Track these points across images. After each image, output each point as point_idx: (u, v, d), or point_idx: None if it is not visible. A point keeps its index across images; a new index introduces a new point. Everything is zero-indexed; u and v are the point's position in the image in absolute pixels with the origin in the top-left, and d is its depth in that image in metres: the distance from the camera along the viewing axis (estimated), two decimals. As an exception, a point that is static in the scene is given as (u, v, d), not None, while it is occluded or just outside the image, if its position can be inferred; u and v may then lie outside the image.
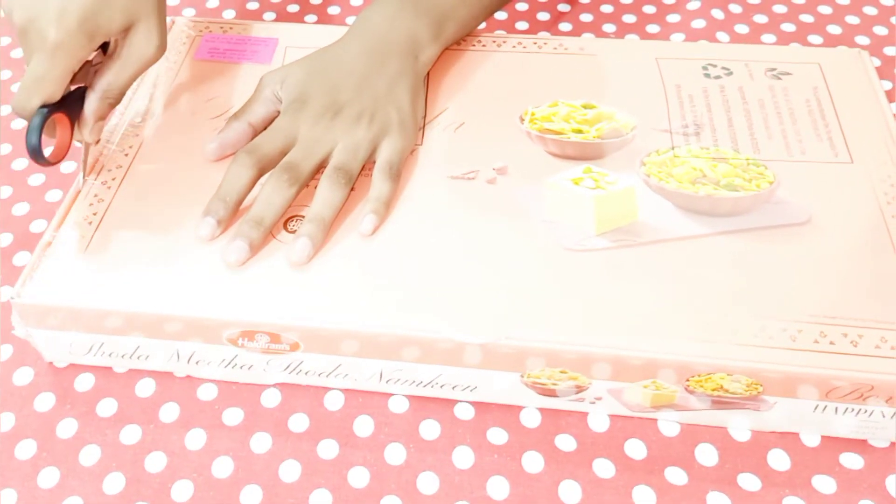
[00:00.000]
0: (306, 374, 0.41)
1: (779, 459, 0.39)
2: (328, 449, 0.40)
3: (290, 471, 0.39)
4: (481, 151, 0.46)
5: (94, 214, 0.44)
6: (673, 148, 0.46)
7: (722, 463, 0.39)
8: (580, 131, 0.47)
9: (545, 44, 0.53)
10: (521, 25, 0.62)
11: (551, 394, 0.40)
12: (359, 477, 0.39)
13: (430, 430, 0.40)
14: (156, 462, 0.39)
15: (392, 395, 0.42)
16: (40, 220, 0.50)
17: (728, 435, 0.40)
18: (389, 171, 0.44)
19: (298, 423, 0.41)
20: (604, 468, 0.39)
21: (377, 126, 0.45)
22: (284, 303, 0.40)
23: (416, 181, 0.45)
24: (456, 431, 0.40)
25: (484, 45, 0.53)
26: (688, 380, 0.38)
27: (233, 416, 0.41)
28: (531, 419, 0.41)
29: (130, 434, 0.40)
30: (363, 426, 0.41)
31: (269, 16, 0.64)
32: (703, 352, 0.37)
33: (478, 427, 0.40)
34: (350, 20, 0.63)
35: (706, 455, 0.39)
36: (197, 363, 0.42)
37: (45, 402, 0.42)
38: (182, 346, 0.41)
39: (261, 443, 0.40)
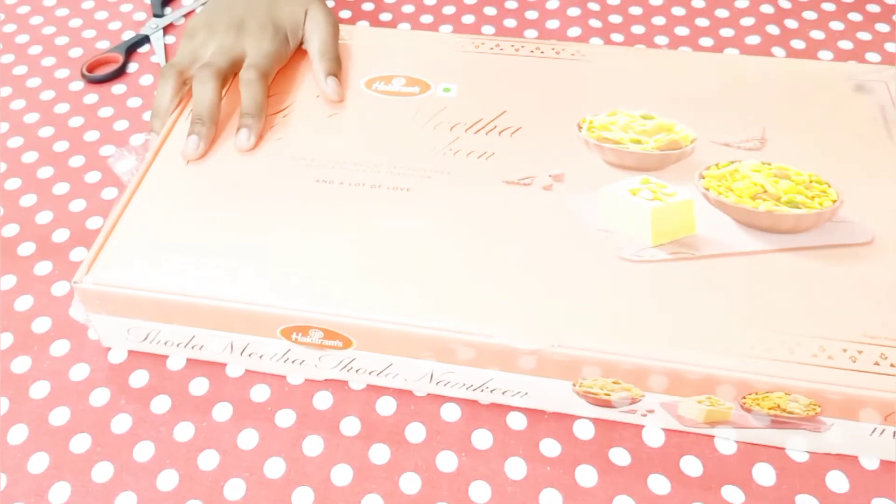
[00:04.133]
0: (357, 371, 0.41)
1: (837, 482, 0.38)
2: (380, 453, 0.40)
3: (342, 474, 0.39)
4: (538, 157, 0.46)
5: (156, 203, 0.44)
6: (733, 162, 0.45)
7: (780, 483, 0.38)
8: (639, 142, 0.46)
9: (601, 53, 0.53)
10: (574, 32, 0.62)
11: (605, 404, 0.40)
12: (411, 483, 0.39)
13: (482, 439, 0.40)
14: (209, 460, 0.40)
15: (444, 401, 0.41)
16: (96, 217, 0.51)
17: (786, 455, 0.39)
18: (250, 76, 0.49)
19: (350, 426, 0.41)
20: (659, 484, 0.38)
21: (246, 31, 0.52)
22: (340, 299, 0.40)
23: (471, 184, 0.45)
24: (508, 441, 0.40)
25: (542, 52, 0.53)
26: (744, 397, 0.37)
27: (285, 417, 0.41)
28: (584, 431, 0.40)
29: (184, 431, 0.41)
30: (415, 432, 0.40)
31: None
32: (761, 369, 0.37)
33: (530, 438, 0.40)
34: (384, 17, 0.63)
35: (764, 475, 0.39)
36: (250, 355, 0.42)
37: (100, 397, 0.42)
38: (236, 337, 0.41)
39: (313, 445, 0.40)
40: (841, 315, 0.39)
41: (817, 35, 0.61)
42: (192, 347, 0.42)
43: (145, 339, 0.43)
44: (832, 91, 0.50)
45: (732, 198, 0.43)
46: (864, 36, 0.60)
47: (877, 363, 0.37)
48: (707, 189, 0.44)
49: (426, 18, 0.64)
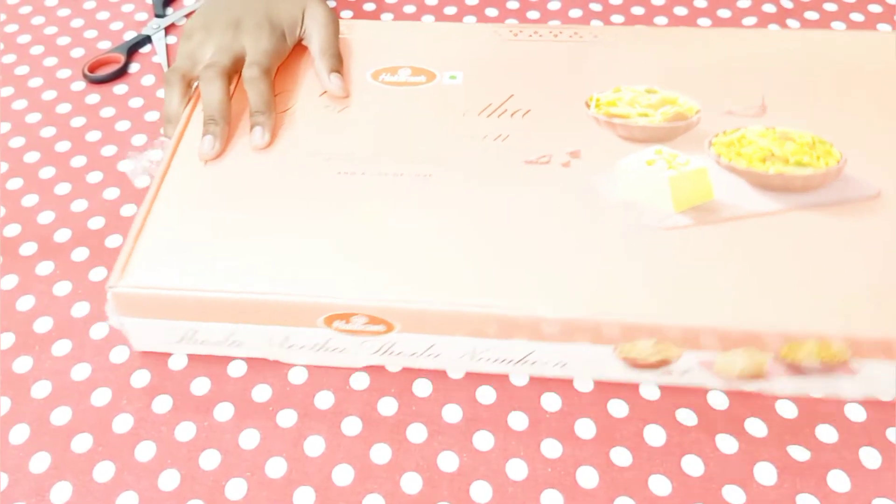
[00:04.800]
0: (397, 354, 0.42)
1: (839, 481, 0.38)
2: (381, 453, 0.40)
3: (343, 474, 0.39)
4: (552, 136, 0.47)
5: (181, 203, 0.44)
6: (738, 129, 0.47)
7: (781, 482, 0.38)
8: (646, 115, 0.48)
9: (599, 34, 0.54)
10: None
11: (645, 367, 0.41)
12: (412, 483, 0.39)
13: (483, 440, 0.40)
14: (210, 460, 0.40)
15: (446, 402, 0.41)
16: (98, 217, 0.51)
17: (787, 454, 0.39)
18: (252, 74, 0.49)
19: (351, 426, 0.41)
20: (660, 484, 0.38)
21: (244, 30, 0.52)
22: (381, 284, 0.40)
23: (491, 166, 0.46)
24: (509, 442, 0.40)
25: (541, 36, 0.54)
26: (781, 349, 0.38)
27: (286, 417, 0.41)
28: (586, 431, 0.40)
29: (185, 431, 0.41)
30: (416, 432, 0.40)
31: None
32: (797, 319, 0.38)
33: (531, 438, 0.40)
34: (386, 17, 0.63)
35: (765, 474, 0.39)
36: (289, 347, 0.42)
37: (101, 397, 0.42)
38: (276, 330, 0.41)
39: (314, 445, 0.40)
40: (860, 265, 0.40)
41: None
42: (231, 344, 0.43)
43: (181, 339, 0.43)
44: (826, 58, 0.51)
45: (743, 162, 0.45)
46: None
47: None
48: (718, 156, 0.46)
49: (427, 19, 0.64)
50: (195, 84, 0.51)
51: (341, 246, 0.42)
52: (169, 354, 0.44)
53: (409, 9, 0.65)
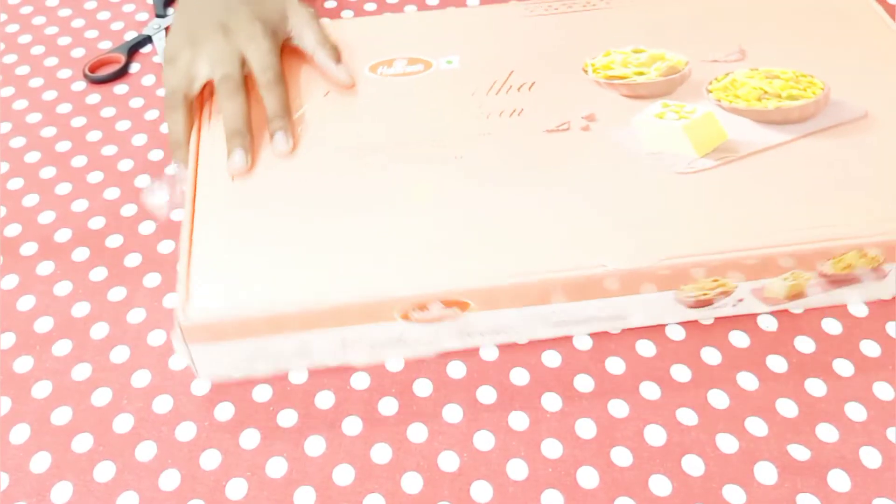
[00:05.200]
0: (471, 335, 0.42)
1: (839, 481, 0.38)
2: (381, 453, 0.40)
3: (343, 474, 0.39)
4: (563, 104, 0.49)
5: (221, 223, 0.44)
6: (728, 74, 0.50)
7: (781, 482, 0.38)
8: (642, 73, 0.50)
9: (574, 4, 0.56)
10: None
11: (704, 304, 0.43)
12: (412, 483, 0.39)
13: (483, 440, 0.40)
14: (210, 460, 0.40)
15: (446, 402, 0.41)
16: (98, 217, 0.51)
17: (787, 453, 0.39)
18: (269, 79, 0.49)
19: (352, 426, 0.41)
20: (660, 485, 0.38)
21: (236, 33, 0.50)
22: (450, 267, 0.41)
23: (516, 139, 0.47)
24: (510, 442, 0.40)
25: (531, 12, 0.56)
26: (824, 264, 0.42)
27: (287, 417, 0.41)
28: (586, 431, 0.40)
29: (186, 431, 0.41)
30: (417, 432, 0.40)
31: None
32: (839, 234, 0.42)
33: (532, 438, 0.40)
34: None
35: (765, 474, 0.38)
36: (361, 348, 0.42)
37: (102, 396, 0.42)
38: (349, 332, 0.41)
39: (315, 445, 0.40)
40: (870, 176, 0.45)
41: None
42: (301, 355, 0.42)
43: (251, 357, 0.41)
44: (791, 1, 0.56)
45: (742, 103, 0.48)
46: None
47: None
48: (718, 100, 0.49)
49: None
50: (198, 99, 0.50)
51: (396, 236, 0.42)
52: (170, 353, 0.44)
53: (410, 8, 0.65)
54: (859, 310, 0.45)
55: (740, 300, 0.43)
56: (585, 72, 0.51)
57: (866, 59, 0.51)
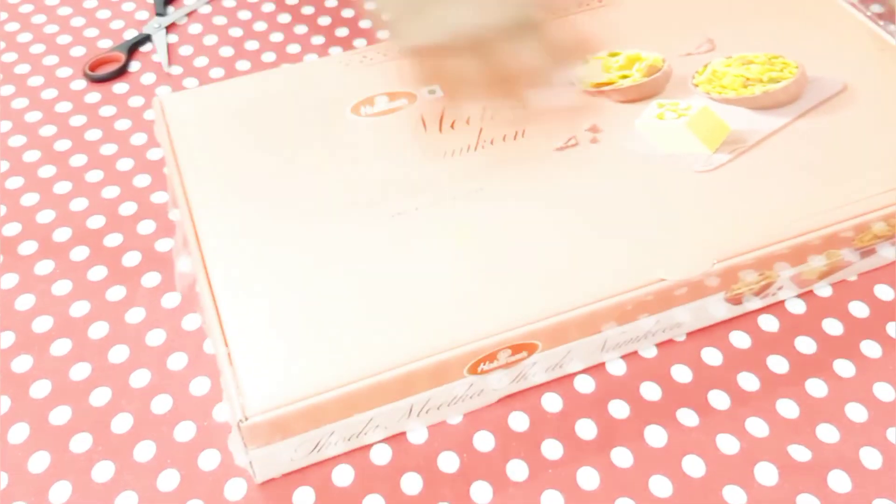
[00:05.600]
0: (534, 376, 0.41)
1: (839, 481, 0.38)
2: (381, 454, 0.40)
3: (343, 475, 0.39)
4: (561, 120, 0.48)
5: (250, 296, 0.40)
6: (706, 66, 0.50)
7: (781, 483, 0.38)
8: (626, 76, 0.50)
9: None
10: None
11: (755, 293, 0.43)
12: (412, 483, 0.39)
13: (483, 440, 0.40)
14: (209, 460, 0.40)
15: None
16: (98, 215, 0.51)
17: (788, 454, 0.39)
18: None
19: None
20: (660, 485, 0.38)
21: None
22: (511, 310, 0.38)
23: (529, 161, 0.45)
24: (510, 443, 0.40)
25: None
26: (854, 240, 0.43)
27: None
28: (586, 432, 0.40)
29: (185, 431, 0.41)
30: (416, 433, 0.40)
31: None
32: (865, 209, 0.42)
33: (532, 439, 0.40)
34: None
35: (765, 474, 0.38)
36: (427, 412, 0.40)
37: (101, 396, 0.42)
38: (416, 399, 0.38)
39: (314, 445, 0.40)
40: (875, 144, 0.46)
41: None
42: (368, 433, 0.39)
43: (316, 447, 0.38)
44: None
45: (731, 92, 0.49)
46: None
47: None
48: (708, 93, 0.49)
49: (428, 17, 0.64)
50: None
51: (440, 285, 0.40)
52: (169, 353, 0.44)
53: (410, 7, 0.65)
54: (860, 310, 0.45)
55: (780, 288, 0.43)
56: (572, 83, 0.50)
57: (823, 32, 0.52)
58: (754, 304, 0.44)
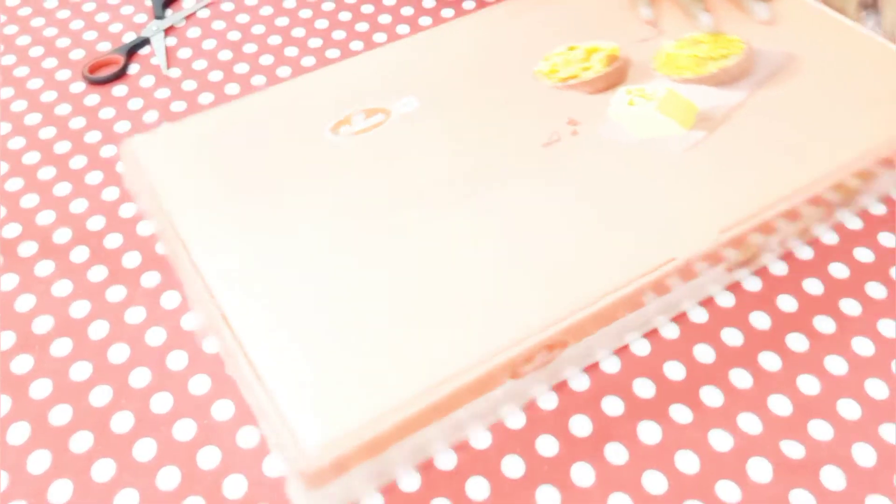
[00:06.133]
0: (563, 372, 0.42)
1: (833, 478, 0.39)
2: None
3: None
4: (541, 115, 0.48)
5: (278, 332, 0.38)
6: (659, 50, 0.52)
7: (776, 480, 0.39)
8: (589, 68, 0.51)
9: (480, 14, 0.56)
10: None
11: (750, 262, 0.45)
12: (410, 481, 0.39)
13: (479, 438, 0.40)
14: (209, 458, 0.40)
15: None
16: (97, 216, 0.51)
17: (781, 452, 0.40)
18: None
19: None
20: (655, 481, 0.39)
21: None
22: (544, 307, 0.39)
23: (521, 161, 0.46)
24: (506, 440, 0.40)
25: (449, 34, 0.55)
26: (843, 184, 0.45)
27: (284, 415, 0.41)
28: (581, 429, 0.41)
29: (184, 429, 0.41)
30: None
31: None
32: (851, 157, 0.45)
33: (527, 436, 0.40)
34: (383, 18, 0.63)
35: (759, 471, 0.39)
36: (475, 419, 0.39)
37: (101, 395, 0.42)
38: (466, 411, 0.38)
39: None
40: (840, 99, 0.49)
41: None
42: (423, 452, 0.39)
43: (377, 476, 0.38)
44: None
45: (689, 73, 0.51)
46: None
47: None
48: (669, 76, 0.51)
49: (425, 21, 0.64)
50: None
51: (468, 293, 0.39)
52: (168, 352, 0.44)
53: (407, 10, 0.65)
54: (852, 308, 0.45)
55: (773, 250, 0.46)
56: (541, 80, 0.51)
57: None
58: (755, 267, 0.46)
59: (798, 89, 0.49)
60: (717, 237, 0.41)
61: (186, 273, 0.41)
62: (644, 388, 0.42)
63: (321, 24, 0.65)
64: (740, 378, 0.42)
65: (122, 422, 0.41)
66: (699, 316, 0.45)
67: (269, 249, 0.42)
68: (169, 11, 0.67)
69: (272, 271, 0.41)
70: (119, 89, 0.60)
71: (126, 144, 0.47)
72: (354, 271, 0.41)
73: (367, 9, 0.66)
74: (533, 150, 0.46)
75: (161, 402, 0.42)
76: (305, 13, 0.66)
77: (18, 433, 0.41)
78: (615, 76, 0.51)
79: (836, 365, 0.43)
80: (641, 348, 0.43)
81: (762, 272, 0.47)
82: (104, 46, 0.64)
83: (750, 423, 0.40)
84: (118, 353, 0.44)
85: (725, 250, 0.42)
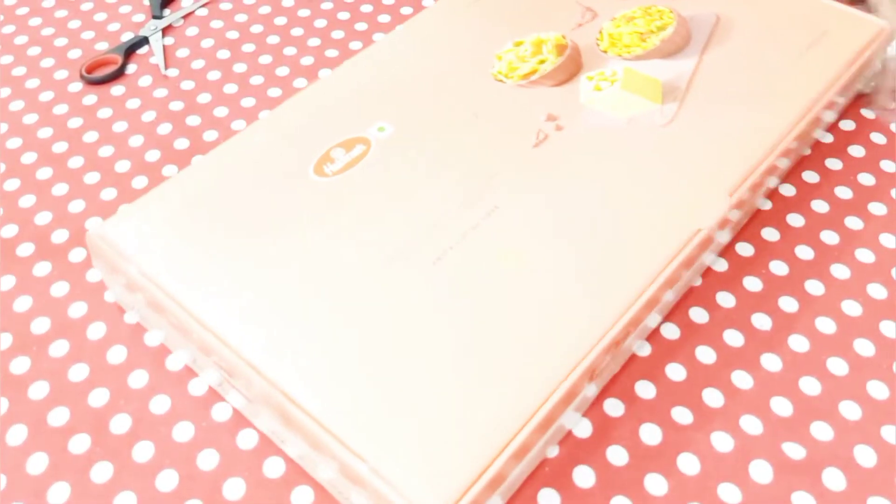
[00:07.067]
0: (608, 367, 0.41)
1: (834, 479, 0.39)
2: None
3: (340, 473, 0.39)
4: (515, 119, 0.48)
5: (356, 402, 0.36)
6: (601, 31, 0.53)
7: (777, 480, 0.38)
8: (543, 61, 0.51)
9: (434, 15, 0.56)
10: (384, 18, 0.62)
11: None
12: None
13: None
14: (208, 460, 0.40)
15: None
16: (96, 217, 0.51)
17: (783, 454, 0.39)
18: None
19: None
20: (656, 484, 0.39)
21: None
22: (588, 315, 0.39)
23: (515, 170, 0.45)
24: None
25: (397, 44, 0.54)
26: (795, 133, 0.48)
27: (284, 417, 0.41)
28: (582, 430, 0.40)
29: (183, 431, 0.41)
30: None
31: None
32: (796, 111, 0.48)
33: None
34: (382, 18, 0.63)
35: (760, 472, 0.39)
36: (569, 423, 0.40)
37: (99, 397, 0.42)
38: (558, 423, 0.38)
39: (311, 444, 0.40)
40: (777, 54, 0.52)
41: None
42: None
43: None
44: None
45: (637, 49, 0.52)
46: None
47: None
48: (620, 55, 0.52)
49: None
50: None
51: (521, 310, 0.39)
52: (167, 353, 0.44)
53: (406, 10, 0.65)
54: (854, 309, 0.45)
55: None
56: (503, 81, 0.50)
57: None
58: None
59: (740, 47, 0.52)
60: (728, 200, 0.43)
61: (222, 358, 0.38)
62: (645, 390, 0.42)
63: (320, 23, 0.65)
64: (741, 379, 0.42)
65: (120, 423, 0.41)
66: (700, 317, 0.45)
67: (298, 314, 0.39)
68: (167, 11, 0.66)
69: (311, 336, 0.38)
70: (117, 89, 0.60)
71: (91, 236, 0.43)
72: (396, 319, 0.39)
73: (367, 8, 0.66)
74: (526, 154, 0.46)
75: (160, 404, 0.42)
76: (304, 12, 0.66)
77: (16, 435, 0.41)
78: (572, 65, 0.51)
79: (837, 366, 0.43)
80: (643, 350, 0.43)
81: (764, 273, 0.47)
82: (102, 46, 0.63)
83: (751, 424, 0.40)
84: (116, 355, 0.44)
85: (731, 212, 0.44)
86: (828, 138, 0.54)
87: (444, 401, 0.36)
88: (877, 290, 0.46)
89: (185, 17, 0.66)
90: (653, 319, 0.42)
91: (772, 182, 0.48)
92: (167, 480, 0.39)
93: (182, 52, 0.63)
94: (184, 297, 0.40)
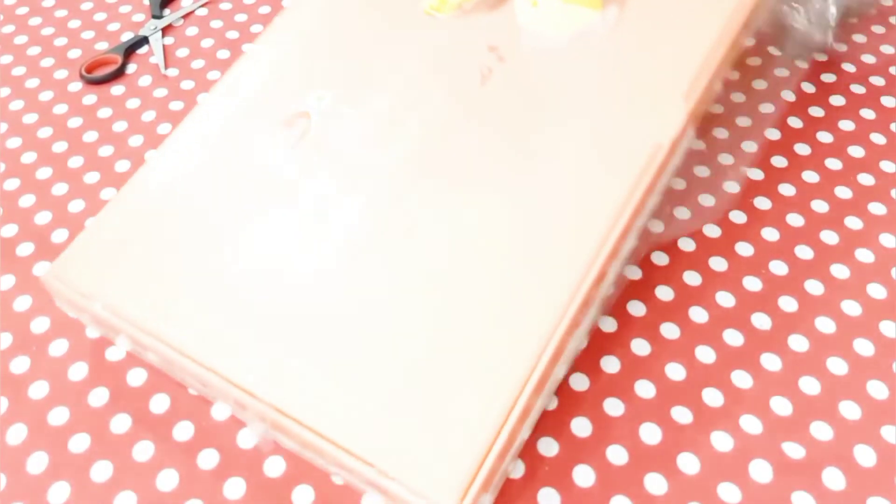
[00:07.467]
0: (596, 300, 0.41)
1: (834, 479, 0.39)
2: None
3: (340, 473, 0.39)
4: (457, 56, 0.46)
5: (357, 401, 0.36)
6: None
7: (776, 480, 0.39)
8: None
9: None
10: None
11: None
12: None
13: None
14: (208, 459, 0.40)
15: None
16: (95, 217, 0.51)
17: (783, 453, 0.39)
18: None
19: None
20: (656, 483, 0.39)
21: None
22: (591, 227, 0.39)
23: (478, 110, 0.44)
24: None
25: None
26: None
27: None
28: (581, 429, 0.40)
29: (183, 430, 0.41)
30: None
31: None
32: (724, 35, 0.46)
33: (529, 438, 0.40)
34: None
35: (760, 472, 0.39)
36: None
37: (99, 396, 0.42)
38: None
39: (311, 444, 0.40)
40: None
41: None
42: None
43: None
44: None
45: None
46: None
47: None
48: None
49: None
50: None
51: (505, 257, 0.39)
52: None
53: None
54: (853, 308, 0.45)
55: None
56: (434, 16, 0.48)
57: None
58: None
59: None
60: (686, 103, 0.42)
61: (216, 390, 0.38)
62: (645, 390, 0.42)
63: (320, 23, 0.65)
64: (741, 379, 0.42)
65: (120, 423, 0.41)
66: (700, 316, 0.45)
67: (268, 324, 0.38)
68: (167, 11, 0.66)
69: (290, 348, 0.38)
70: (117, 89, 0.60)
71: (46, 279, 0.42)
72: (371, 302, 0.38)
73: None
74: (474, 95, 0.44)
75: (159, 403, 0.42)
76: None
77: (16, 434, 0.41)
78: None
79: (837, 366, 0.43)
80: (641, 349, 0.43)
81: (764, 273, 0.47)
82: (102, 46, 0.63)
83: (751, 424, 0.40)
84: (116, 354, 0.44)
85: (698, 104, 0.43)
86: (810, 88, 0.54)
87: (432, 391, 0.36)
88: (877, 290, 0.46)
89: (184, 16, 0.66)
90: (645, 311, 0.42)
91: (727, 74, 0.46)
92: (167, 480, 0.39)
93: (182, 52, 0.63)
94: (155, 327, 0.39)
